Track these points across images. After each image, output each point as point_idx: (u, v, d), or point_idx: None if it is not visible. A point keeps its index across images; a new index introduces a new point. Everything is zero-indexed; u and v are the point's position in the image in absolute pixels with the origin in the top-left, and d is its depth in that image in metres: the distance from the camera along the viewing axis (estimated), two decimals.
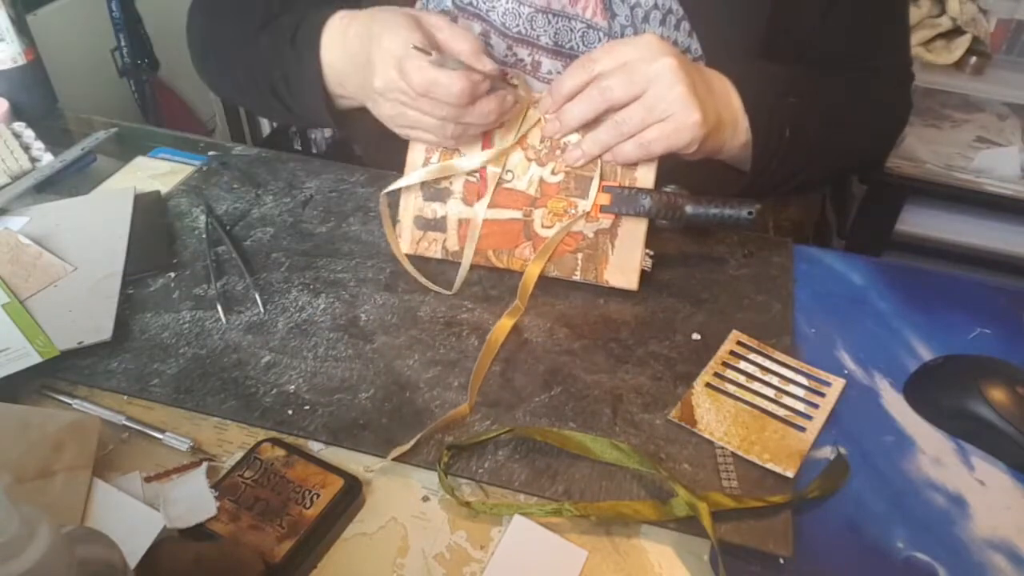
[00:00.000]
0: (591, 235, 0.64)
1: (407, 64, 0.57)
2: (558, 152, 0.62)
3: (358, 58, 0.61)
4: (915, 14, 1.32)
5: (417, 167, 0.65)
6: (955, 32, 1.32)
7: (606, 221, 0.63)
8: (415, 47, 0.56)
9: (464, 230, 0.66)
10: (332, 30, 0.64)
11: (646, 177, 0.61)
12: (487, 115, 0.59)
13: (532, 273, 0.63)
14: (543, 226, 0.64)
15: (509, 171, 0.63)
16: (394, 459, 0.52)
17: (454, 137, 0.61)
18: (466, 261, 0.65)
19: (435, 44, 0.58)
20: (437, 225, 0.66)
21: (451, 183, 0.65)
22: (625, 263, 0.64)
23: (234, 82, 0.75)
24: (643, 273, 0.64)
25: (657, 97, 0.57)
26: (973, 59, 1.32)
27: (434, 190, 0.65)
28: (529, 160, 0.63)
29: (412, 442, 0.52)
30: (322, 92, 0.66)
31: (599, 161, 0.61)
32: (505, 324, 0.61)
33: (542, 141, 0.62)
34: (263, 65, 0.69)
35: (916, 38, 1.33)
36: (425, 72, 0.56)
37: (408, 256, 0.67)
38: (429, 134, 0.61)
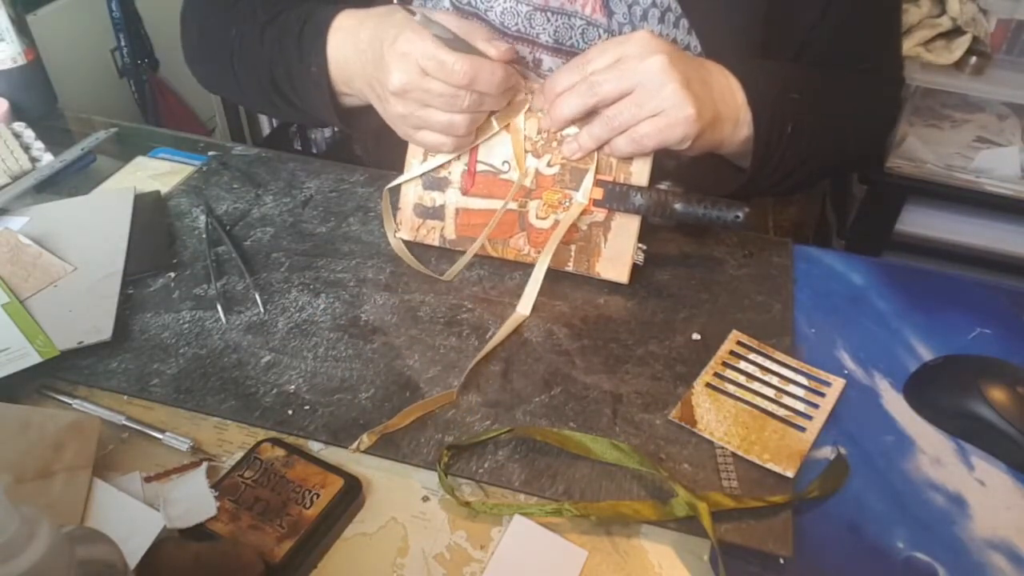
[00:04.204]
0: (584, 227, 0.64)
1: (440, 55, 0.55)
2: (554, 144, 0.63)
3: (368, 58, 0.61)
4: (915, 14, 1.32)
5: (416, 160, 0.66)
6: (955, 32, 1.32)
7: (599, 214, 0.64)
8: (424, 17, 0.55)
9: (462, 219, 0.66)
10: (341, 29, 0.64)
11: (641, 171, 0.62)
12: (496, 84, 0.58)
13: (538, 275, 0.63)
14: (538, 217, 0.65)
15: (505, 162, 0.64)
16: (395, 460, 0.52)
17: (461, 132, 0.60)
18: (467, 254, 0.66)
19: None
20: (435, 213, 0.67)
21: (449, 172, 0.66)
22: (617, 256, 0.64)
23: (236, 80, 0.74)
24: (635, 267, 0.65)
25: (647, 94, 0.57)
26: (973, 59, 1.32)
27: (433, 179, 0.66)
28: (525, 152, 0.63)
29: (382, 427, 0.52)
30: (328, 90, 0.66)
31: (595, 154, 0.62)
32: (517, 316, 0.62)
33: (539, 133, 0.63)
34: (266, 62, 0.69)
35: (916, 38, 1.32)
36: (470, 60, 0.55)
37: (407, 243, 0.68)
38: (436, 134, 0.61)
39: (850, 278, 0.70)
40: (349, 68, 0.64)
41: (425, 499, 0.50)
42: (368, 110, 0.66)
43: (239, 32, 0.71)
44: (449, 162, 0.65)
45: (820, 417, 0.56)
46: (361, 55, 0.62)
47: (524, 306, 0.63)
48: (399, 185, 0.67)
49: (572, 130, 0.62)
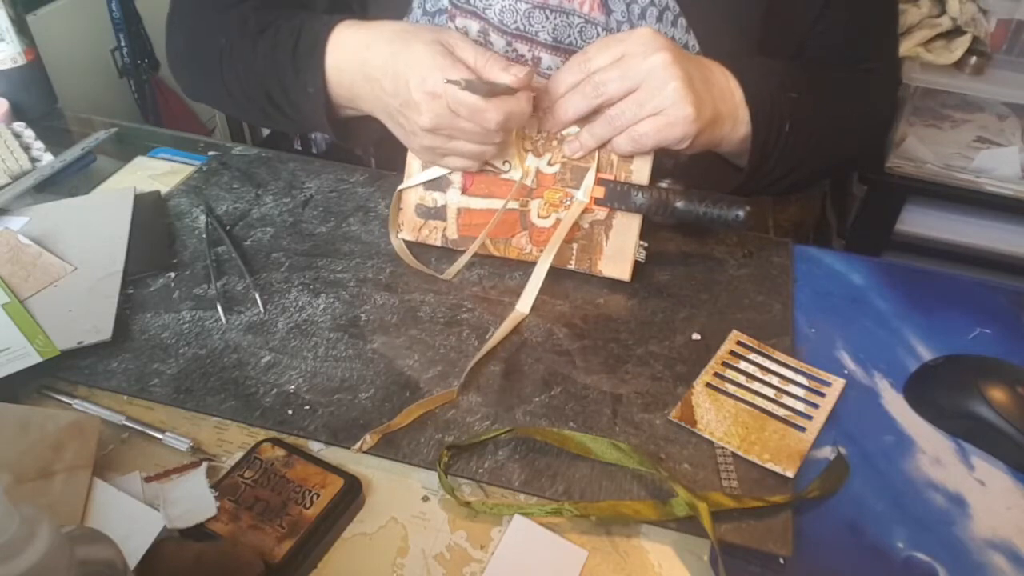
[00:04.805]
0: (586, 226, 0.64)
1: (472, 101, 0.55)
2: (555, 143, 0.63)
3: (384, 88, 0.60)
4: (915, 14, 1.32)
5: (417, 162, 0.66)
6: (955, 32, 1.32)
7: (601, 212, 0.64)
8: (448, 80, 0.54)
9: (463, 219, 0.66)
10: (341, 47, 0.62)
11: (641, 169, 0.62)
12: (526, 115, 0.58)
13: (540, 273, 0.63)
14: (539, 216, 0.65)
15: (506, 162, 0.64)
16: (395, 460, 0.52)
17: (488, 157, 0.62)
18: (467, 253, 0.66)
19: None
20: (437, 213, 0.67)
21: (450, 172, 0.65)
22: (619, 254, 0.64)
23: (225, 89, 0.72)
24: (636, 264, 0.65)
25: (650, 93, 0.57)
26: (973, 59, 1.32)
27: (434, 179, 0.66)
28: (526, 151, 0.63)
29: (384, 426, 0.52)
30: (324, 106, 0.64)
31: (596, 153, 0.62)
32: (516, 315, 0.62)
33: (539, 132, 0.63)
34: (259, 74, 0.67)
35: (916, 38, 1.32)
36: (503, 105, 0.56)
37: (408, 243, 0.68)
38: (463, 159, 0.62)
39: (850, 278, 0.70)
40: (354, 90, 0.63)
41: (425, 499, 0.50)
42: (366, 122, 0.66)
43: (230, 41, 0.69)
44: None
45: (820, 417, 0.56)
46: (372, 83, 0.60)
47: (524, 304, 0.63)
48: (401, 184, 0.67)
49: (573, 129, 0.62)
